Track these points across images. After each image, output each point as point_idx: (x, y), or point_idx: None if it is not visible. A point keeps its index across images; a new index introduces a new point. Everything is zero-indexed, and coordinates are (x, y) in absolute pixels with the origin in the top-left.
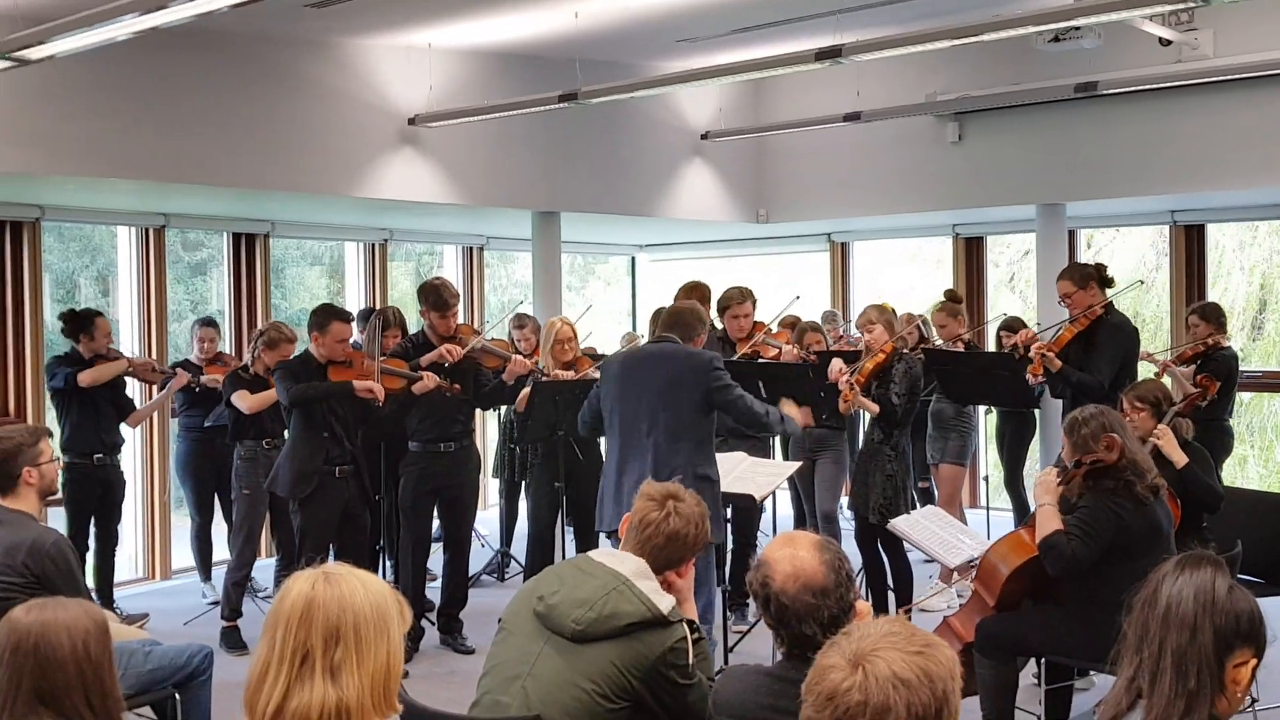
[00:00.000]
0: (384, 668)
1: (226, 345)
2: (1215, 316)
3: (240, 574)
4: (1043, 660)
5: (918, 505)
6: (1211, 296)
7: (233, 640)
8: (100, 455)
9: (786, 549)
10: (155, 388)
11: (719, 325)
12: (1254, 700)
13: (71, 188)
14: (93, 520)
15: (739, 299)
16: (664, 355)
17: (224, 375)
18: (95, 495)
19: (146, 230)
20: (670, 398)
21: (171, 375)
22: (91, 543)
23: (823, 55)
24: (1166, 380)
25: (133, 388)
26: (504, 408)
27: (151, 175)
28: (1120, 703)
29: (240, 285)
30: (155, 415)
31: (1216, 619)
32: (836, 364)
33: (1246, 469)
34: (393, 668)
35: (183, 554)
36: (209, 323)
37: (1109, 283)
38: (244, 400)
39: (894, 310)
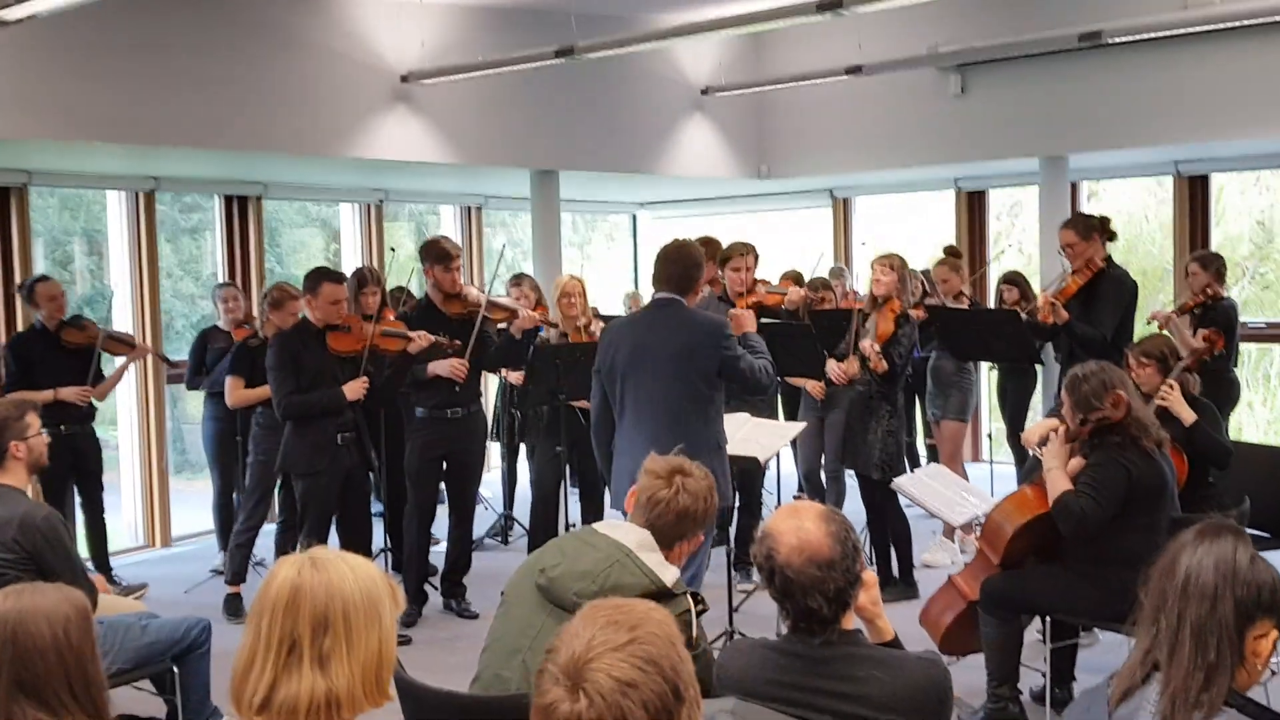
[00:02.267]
0: (375, 655)
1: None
2: (1214, 264)
3: (246, 535)
4: (1047, 618)
5: (922, 463)
6: (1214, 247)
7: (235, 608)
8: (66, 425)
9: (791, 520)
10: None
11: (721, 281)
12: (1275, 673)
13: (57, 151)
14: (77, 491)
15: (741, 251)
16: (675, 321)
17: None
18: (66, 464)
19: (137, 194)
20: (683, 367)
21: (134, 347)
22: (79, 513)
23: (824, 7)
24: (1167, 333)
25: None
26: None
27: (139, 138)
28: (1135, 674)
29: (233, 248)
30: (152, 380)
31: (1238, 590)
32: (835, 369)
33: (1255, 413)
34: (385, 655)
35: (183, 521)
36: (228, 285)
37: (1112, 236)
38: (233, 393)
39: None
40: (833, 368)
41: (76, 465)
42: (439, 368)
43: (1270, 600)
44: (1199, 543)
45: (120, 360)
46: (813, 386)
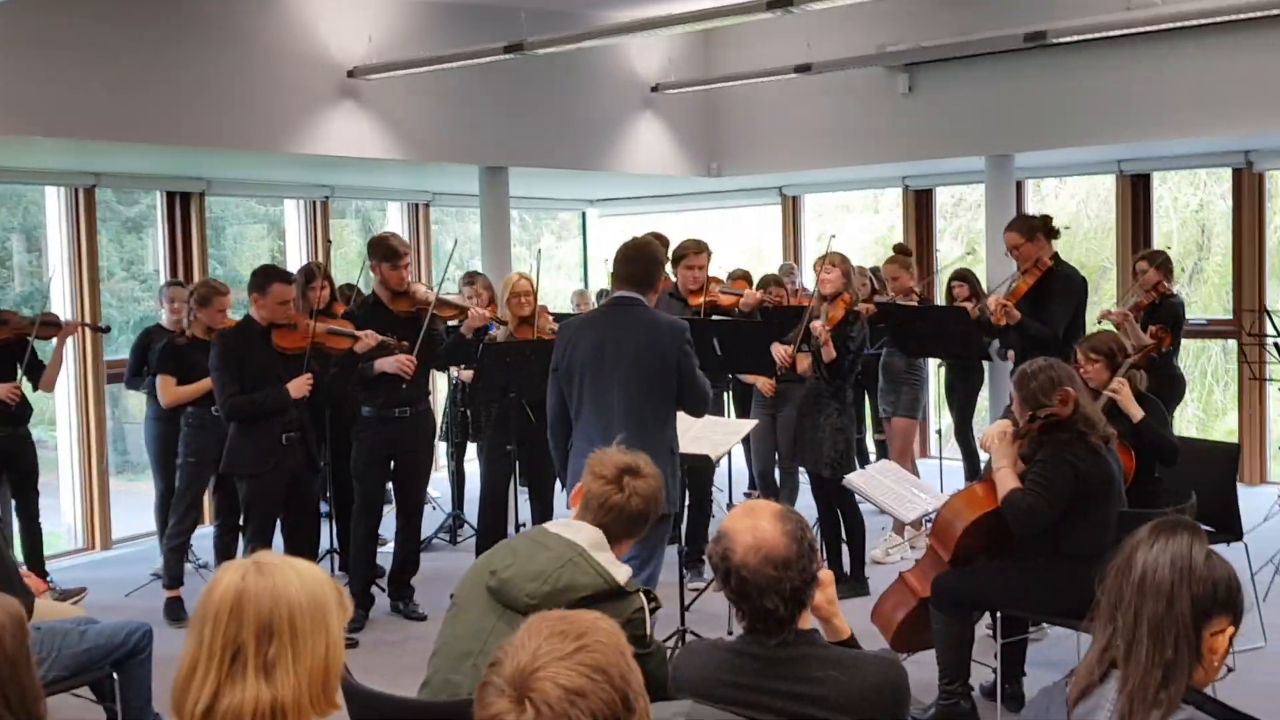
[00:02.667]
0: (322, 663)
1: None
2: (1163, 263)
3: (179, 540)
4: (998, 614)
5: (871, 459)
6: (1156, 245)
7: (176, 612)
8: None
9: (747, 520)
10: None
11: (672, 278)
12: (1231, 669)
13: None
14: (11, 494)
15: (695, 250)
16: (637, 321)
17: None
18: None
19: (76, 190)
20: (643, 367)
21: (60, 326)
22: (14, 516)
23: (774, 4)
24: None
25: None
26: (451, 370)
27: (78, 133)
28: (1093, 672)
29: (175, 245)
30: (90, 379)
31: (1194, 587)
32: (779, 350)
33: (1185, 412)
34: (331, 663)
35: (123, 523)
36: (176, 284)
37: (1055, 234)
38: (165, 391)
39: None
40: (777, 349)
41: (8, 468)
42: (386, 364)
43: (1226, 597)
44: (1155, 540)
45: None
46: (763, 383)
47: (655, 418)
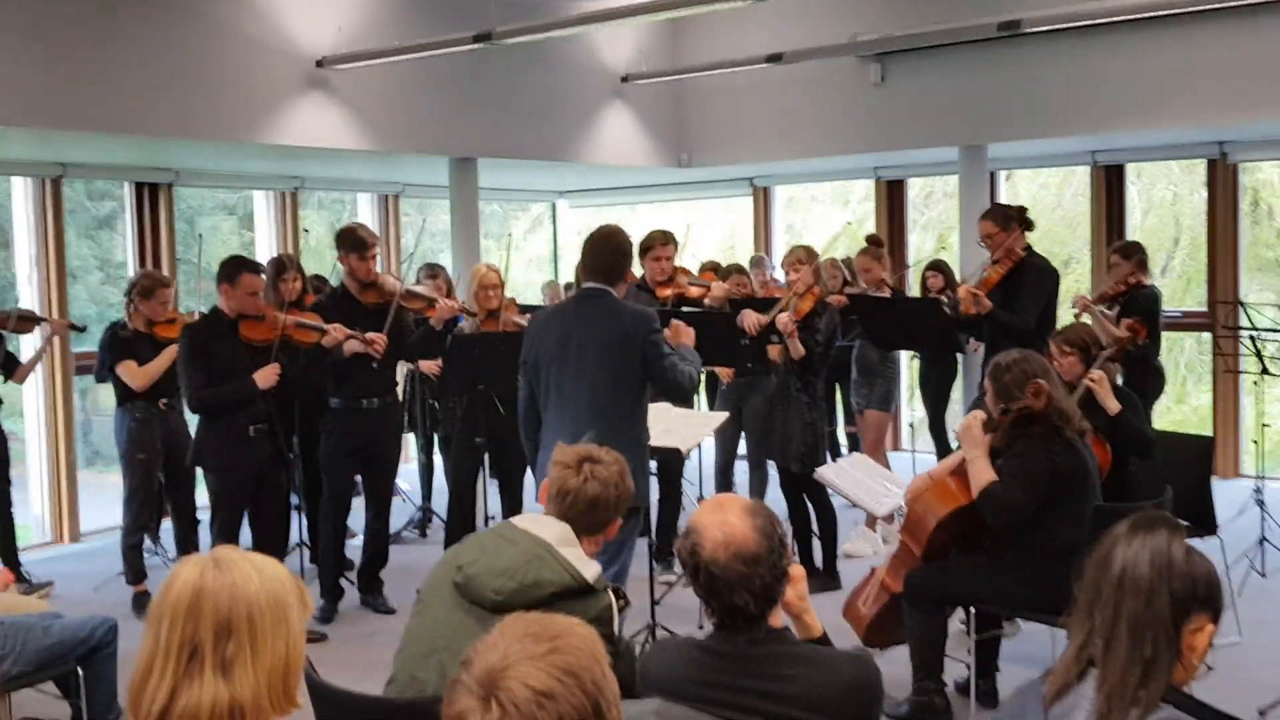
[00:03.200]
0: (282, 661)
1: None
2: (1137, 254)
3: (136, 537)
4: (971, 609)
5: (843, 452)
6: (1129, 236)
7: (144, 604)
8: None
9: (716, 514)
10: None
11: (638, 272)
12: (1210, 668)
13: None
14: None
15: (662, 241)
16: (604, 312)
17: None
18: None
19: (43, 180)
20: (610, 358)
21: (36, 320)
22: None
23: None
24: (1086, 319)
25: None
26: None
27: (42, 122)
28: (1070, 671)
29: (144, 237)
30: (59, 372)
31: (1174, 584)
32: (751, 316)
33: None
34: (292, 661)
35: (92, 516)
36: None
37: (1030, 225)
38: (133, 376)
39: (829, 258)
40: (747, 316)
41: None
42: (355, 345)
43: (1206, 593)
44: (1133, 536)
45: (34, 337)
46: (722, 372)
47: (621, 410)
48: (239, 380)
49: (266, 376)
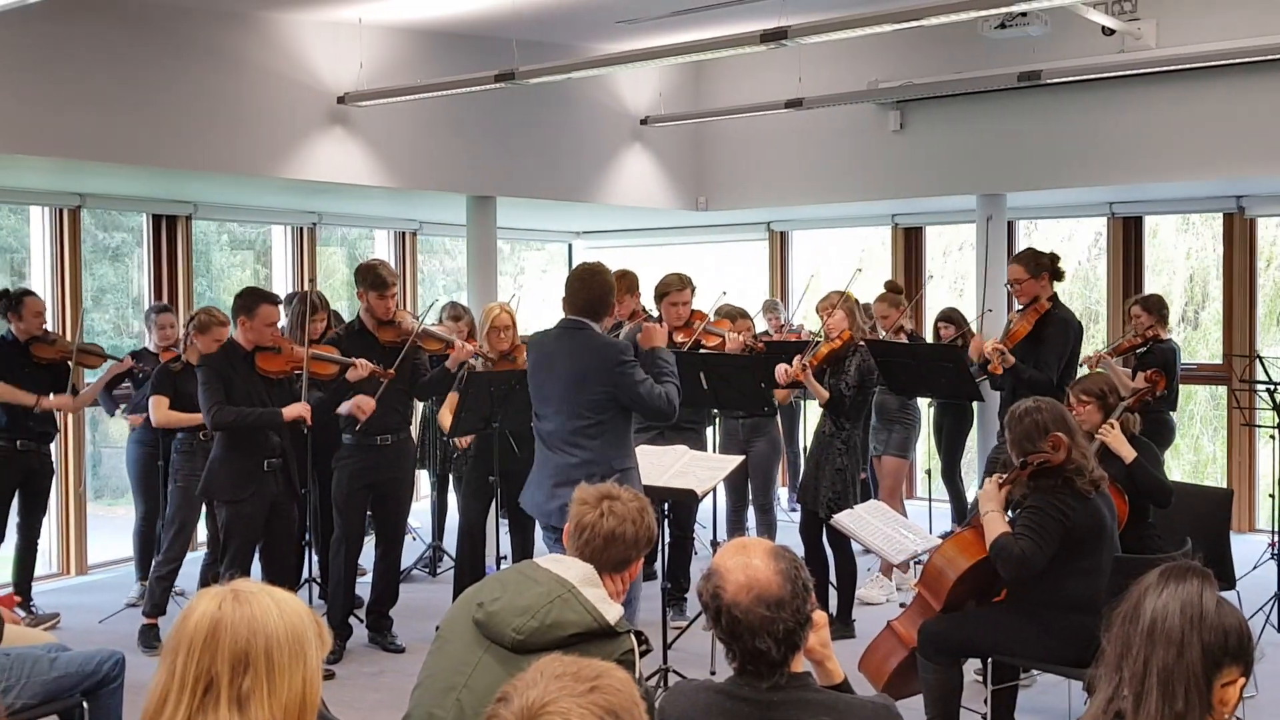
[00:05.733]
0: (299, 697)
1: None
2: (1157, 308)
3: (168, 568)
4: (988, 660)
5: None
6: (1149, 289)
7: (151, 639)
8: (26, 441)
9: (739, 557)
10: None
11: (655, 313)
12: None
13: None
14: (16, 510)
15: (678, 286)
16: (574, 344)
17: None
18: (15, 483)
19: (61, 211)
20: (578, 390)
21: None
22: (14, 533)
23: (768, 37)
24: (1101, 370)
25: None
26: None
27: (64, 153)
28: None
29: (160, 269)
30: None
31: (1205, 635)
32: (783, 369)
33: (1180, 455)
34: (308, 697)
35: (100, 548)
36: (165, 309)
37: (1060, 275)
38: (158, 411)
39: (857, 301)
40: (780, 368)
41: (26, 484)
42: (344, 407)
43: (1238, 646)
44: (1164, 585)
45: (97, 372)
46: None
47: (588, 437)
48: (266, 408)
49: (295, 411)
